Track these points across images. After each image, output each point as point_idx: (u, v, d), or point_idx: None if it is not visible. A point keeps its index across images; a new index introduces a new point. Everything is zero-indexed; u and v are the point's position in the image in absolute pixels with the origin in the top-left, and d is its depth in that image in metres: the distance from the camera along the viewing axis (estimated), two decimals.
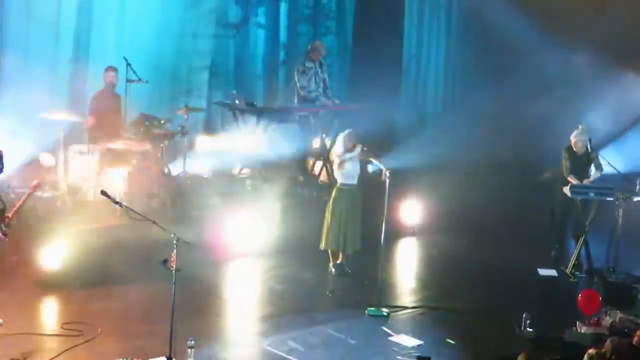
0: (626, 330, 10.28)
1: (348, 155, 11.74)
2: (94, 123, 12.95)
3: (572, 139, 12.81)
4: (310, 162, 14.28)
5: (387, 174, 11.27)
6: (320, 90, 14.18)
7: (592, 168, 12.82)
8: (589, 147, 12.77)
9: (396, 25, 16.99)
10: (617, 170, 12.60)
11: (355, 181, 11.97)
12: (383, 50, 16.23)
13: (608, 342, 8.57)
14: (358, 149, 11.73)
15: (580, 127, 12.84)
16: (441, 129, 16.40)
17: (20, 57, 13.35)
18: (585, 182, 12.71)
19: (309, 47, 14.21)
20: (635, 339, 8.82)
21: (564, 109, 14.76)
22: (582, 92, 15.40)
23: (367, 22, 16.50)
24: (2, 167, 9.52)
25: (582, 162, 12.85)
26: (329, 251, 12.17)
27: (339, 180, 11.90)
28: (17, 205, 9.70)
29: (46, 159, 13.01)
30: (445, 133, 16.21)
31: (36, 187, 9.98)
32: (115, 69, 13.18)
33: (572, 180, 12.74)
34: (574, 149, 12.81)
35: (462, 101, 16.56)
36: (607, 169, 12.81)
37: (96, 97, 13.26)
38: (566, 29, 15.63)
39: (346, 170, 11.83)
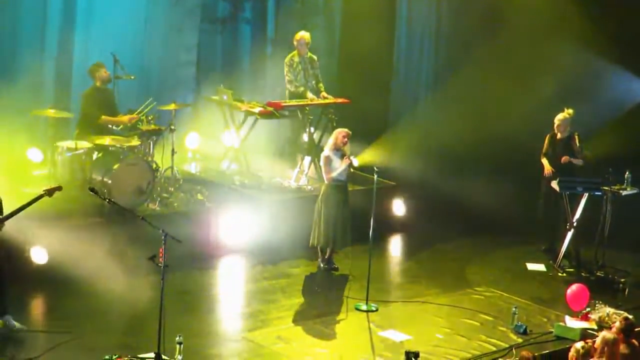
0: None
1: (336, 173, 11.79)
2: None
3: (556, 121, 12.95)
4: (299, 157, 14.25)
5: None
6: (310, 85, 14.13)
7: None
8: (575, 136, 12.89)
9: (387, 19, 16.91)
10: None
11: (343, 177, 11.95)
12: (373, 45, 16.17)
13: (599, 337, 8.65)
14: (345, 165, 11.78)
15: (565, 110, 12.96)
16: (431, 122, 16.39)
17: (6, 53, 13.29)
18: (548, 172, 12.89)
19: (294, 41, 14.18)
20: (613, 329, 8.95)
21: (557, 97, 14.77)
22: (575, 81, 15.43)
23: (356, 16, 16.43)
24: None
25: (562, 147, 12.97)
26: (318, 247, 12.16)
27: (327, 175, 11.86)
28: (22, 205, 9.50)
29: (34, 155, 12.99)
30: (436, 125, 16.20)
31: (51, 192, 9.70)
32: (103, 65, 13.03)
33: (544, 163, 13.00)
34: (555, 132, 12.97)
35: (452, 93, 16.50)
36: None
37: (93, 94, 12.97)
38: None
39: (333, 167, 11.81)
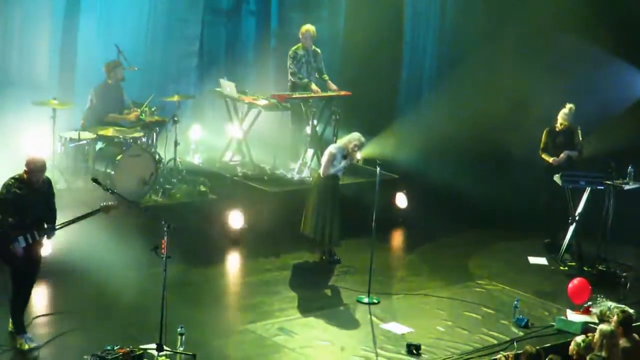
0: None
1: (333, 171, 11.85)
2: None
3: (559, 118, 13.04)
4: (302, 149, 14.25)
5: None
6: (312, 78, 14.12)
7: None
8: (578, 130, 13.00)
9: (392, 11, 16.85)
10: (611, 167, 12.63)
11: (339, 174, 12.02)
12: (377, 38, 16.15)
13: (597, 330, 8.67)
14: (344, 166, 11.85)
15: (567, 105, 13.04)
16: (435, 115, 16.37)
17: (10, 44, 13.29)
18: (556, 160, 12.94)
19: (299, 34, 14.16)
20: (612, 323, 8.97)
21: (554, 91, 14.78)
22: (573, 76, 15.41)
23: (361, 9, 16.39)
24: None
25: (562, 140, 13.06)
26: (318, 240, 12.16)
27: (326, 171, 11.86)
28: (77, 217, 9.39)
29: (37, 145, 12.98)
30: (439, 119, 16.18)
31: (107, 210, 9.43)
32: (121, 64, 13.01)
33: (546, 157, 13.06)
34: (555, 125, 13.05)
35: (457, 86, 16.46)
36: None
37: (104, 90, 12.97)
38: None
39: (334, 166, 11.84)
